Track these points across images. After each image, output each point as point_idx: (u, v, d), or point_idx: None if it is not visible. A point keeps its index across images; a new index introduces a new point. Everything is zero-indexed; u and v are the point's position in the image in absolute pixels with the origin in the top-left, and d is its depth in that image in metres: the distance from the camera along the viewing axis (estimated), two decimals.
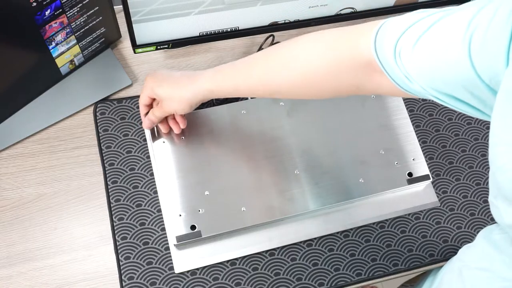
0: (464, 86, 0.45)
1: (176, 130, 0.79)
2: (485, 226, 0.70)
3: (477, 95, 0.44)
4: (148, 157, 0.82)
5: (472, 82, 0.43)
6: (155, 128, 0.80)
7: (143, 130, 0.83)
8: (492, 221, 0.85)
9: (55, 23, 0.75)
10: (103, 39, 0.87)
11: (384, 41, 0.52)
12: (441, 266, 0.74)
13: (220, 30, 0.83)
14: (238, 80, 0.67)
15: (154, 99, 0.76)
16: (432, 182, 0.86)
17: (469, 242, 0.66)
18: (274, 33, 0.89)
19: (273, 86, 0.64)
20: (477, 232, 0.66)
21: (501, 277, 0.52)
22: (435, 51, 0.47)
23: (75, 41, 0.81)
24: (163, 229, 0.78)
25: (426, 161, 0.85)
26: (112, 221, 0.78)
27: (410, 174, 0.83)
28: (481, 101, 0.45)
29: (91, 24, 0.81)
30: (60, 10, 0.74)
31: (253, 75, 0.65)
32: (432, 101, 0.91)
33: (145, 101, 0.76)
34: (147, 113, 0.77)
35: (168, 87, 0.71)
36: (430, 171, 0.85)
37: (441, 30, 0.47)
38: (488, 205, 0.86)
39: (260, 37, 0.92)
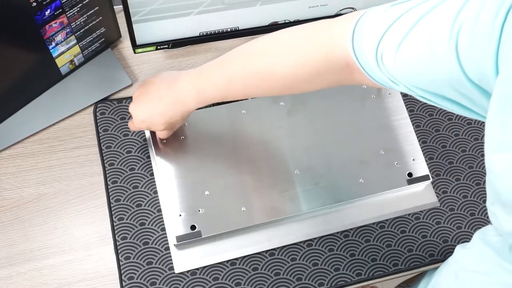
0: (452, 86, 0.43)
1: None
2: (485, 226, 0.70)
3: (465, 94, 0.43)
4: (148, 157, 0.82)
5: (460, 82, 0.41)
6: None
7: (143, 130, 0.83)
8: None
9: (55, 23, 0.75)
10: (103, 39, 0.87)
11: (364, 43, 0.49)
12: (439, 267, 0.74)
13: (220, 30, 0.83)
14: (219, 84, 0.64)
15: None
16: (432, 182, 0.86)
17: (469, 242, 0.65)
18: None
19: (254, 91, 0.63)
20: None
21: (501, 282, 0.51)
22: (420, 52, 0.44)
23: (75, 41, 0.81)
24: (163, 229, 0.78)
25: (426, 161, 0.85)
26: (112, 221, 0.78)
27: (410, 174, 0.83)
28: (469, 99, 0.43)
29: (91, 24, 0.81)
30: (60, 10, 0.74)
31: (234, 87, 0.63)
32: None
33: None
34: None
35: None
36: (430, 171, 0.85)
37: (425, 29, 0.44)
38: None
39: None
